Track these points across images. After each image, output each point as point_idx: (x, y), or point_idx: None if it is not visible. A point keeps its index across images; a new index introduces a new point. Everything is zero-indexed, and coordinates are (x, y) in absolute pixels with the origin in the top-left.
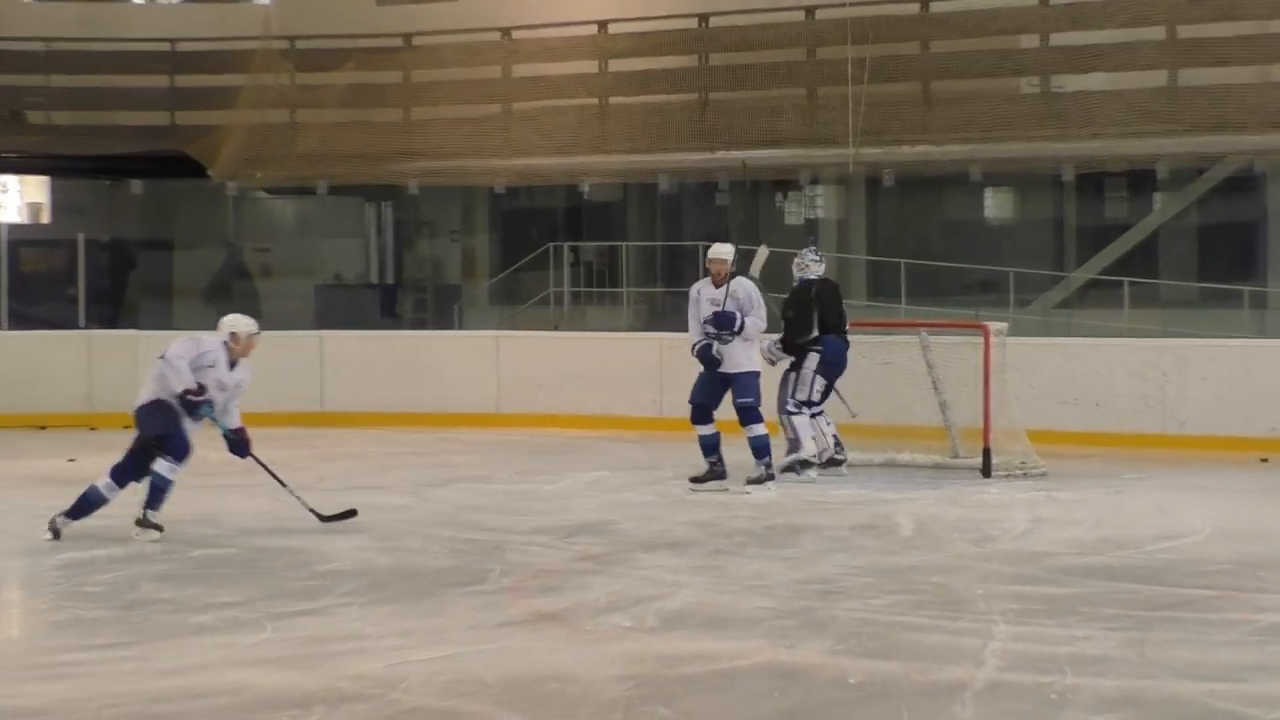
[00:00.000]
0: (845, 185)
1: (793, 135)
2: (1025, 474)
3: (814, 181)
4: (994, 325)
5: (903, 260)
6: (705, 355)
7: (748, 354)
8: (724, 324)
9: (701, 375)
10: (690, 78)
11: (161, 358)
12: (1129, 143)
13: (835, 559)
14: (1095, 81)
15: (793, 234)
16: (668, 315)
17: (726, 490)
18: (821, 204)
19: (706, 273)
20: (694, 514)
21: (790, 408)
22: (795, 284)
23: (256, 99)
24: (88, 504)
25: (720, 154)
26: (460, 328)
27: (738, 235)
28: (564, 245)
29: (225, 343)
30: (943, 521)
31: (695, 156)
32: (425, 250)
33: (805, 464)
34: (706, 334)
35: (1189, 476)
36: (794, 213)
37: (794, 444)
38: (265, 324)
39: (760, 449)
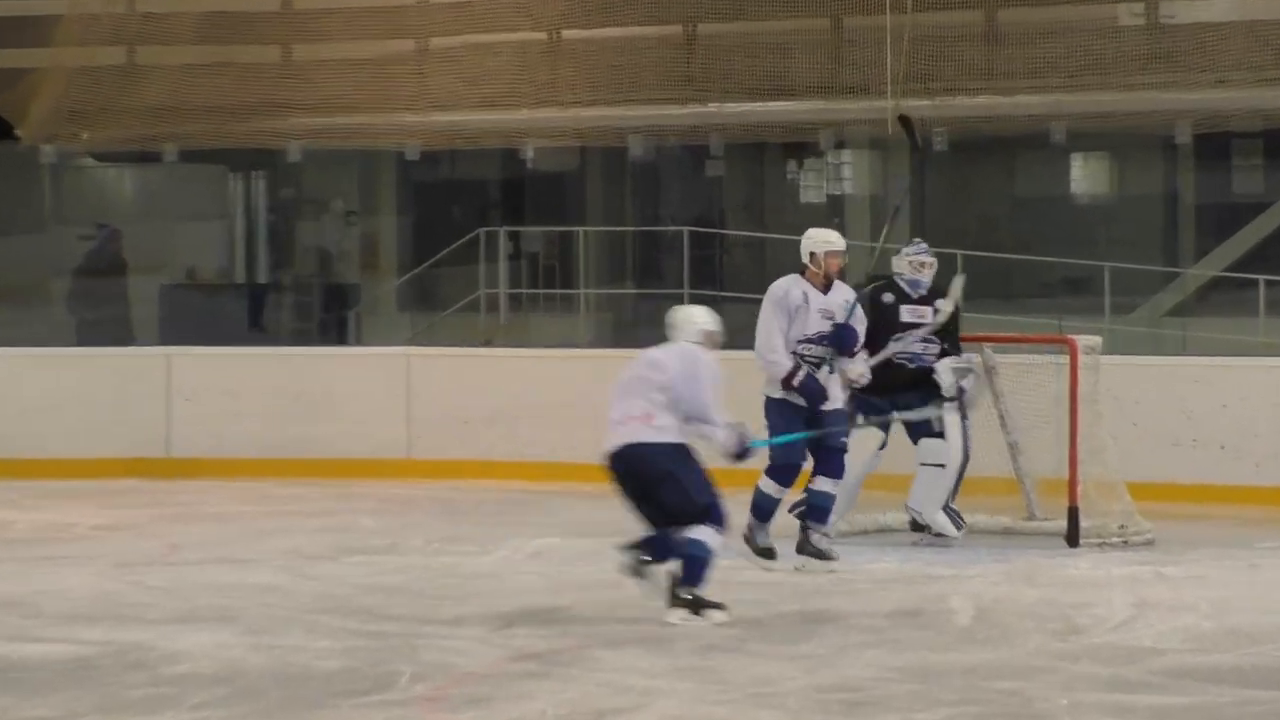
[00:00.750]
0: (882, 150)
1: (810, 82)
2: (1125, 542)
3: (839, 145)
4: (1083, 340)
5: (959, 251)
6: (814, 388)
7: (837, 384)
8: (845, 344)
9: (791, 416)
10: (672, 3)
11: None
12: (1265, 92)
13: (867, 657)
14: (1219, 10)
15: (811, 215)
16: (640, 325)
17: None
18: (850, 175)
19: (803, 269)
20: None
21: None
22: (917, 292)
23: (80, 33)
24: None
25: (712, 107)
26: (359, 343)
27: (738, 217)
28: (500, 231)
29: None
30: (1014, 606)
31: (678, 111)
32: (311, 237)
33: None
34: (805, 356)
35: None
36: (812, 186)
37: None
38: (89, 337)
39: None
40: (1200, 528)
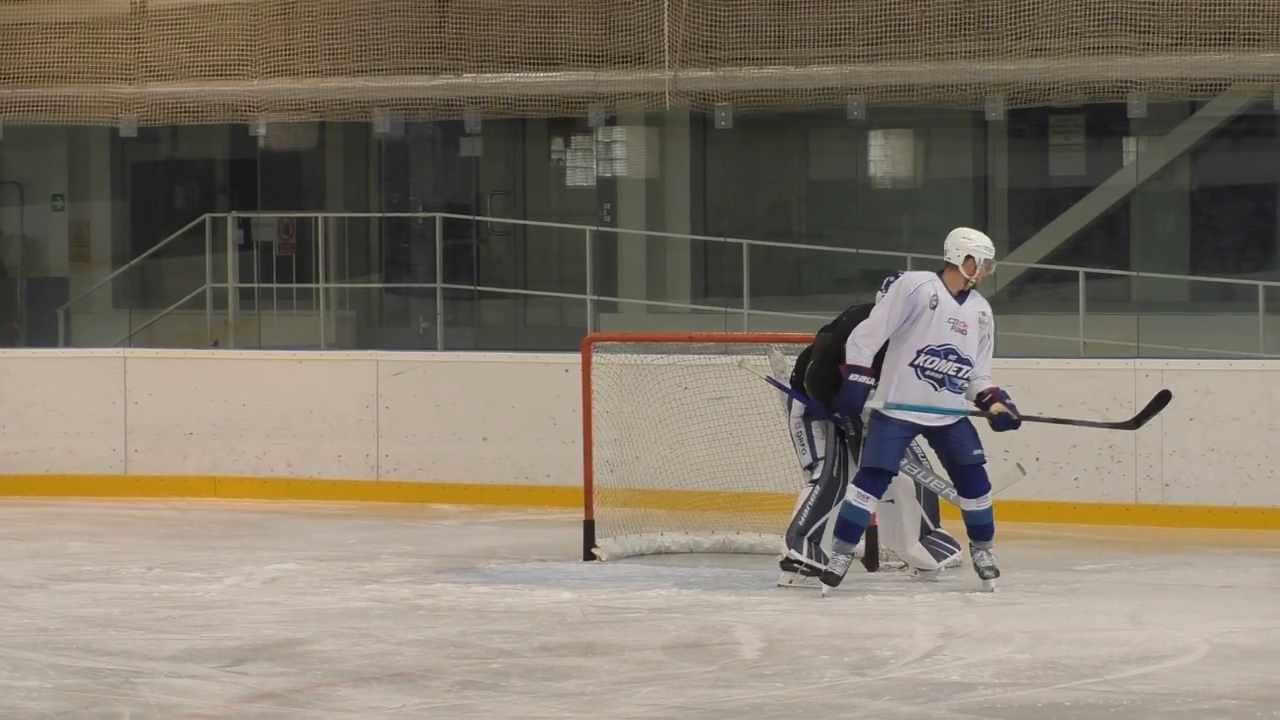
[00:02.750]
0: (659, 127)
1: (578, 51)
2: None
3: (611, 121)
4: None
5: (745, 241)
6: (856, 398)
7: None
8: (964, 366)
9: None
10: None
11: None
12: (1088, 63)
13: (643, 695)
14: None
15: (578, 199)
16: (389, 324)
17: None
18: (622, 155)
19: (938, 270)
20: (431, 628)
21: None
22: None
23: None
24: None
25: (468, 79)
26: (68, 344)
27: (497, 202)
28: (228, 217)
29: None
30: (806, 637)
31: (429, 82)
32: (11, 225)
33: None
34: (925, 371)
35: (1176, 568)
36: (580, 168)
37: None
38: None
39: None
40: (1014, 549)
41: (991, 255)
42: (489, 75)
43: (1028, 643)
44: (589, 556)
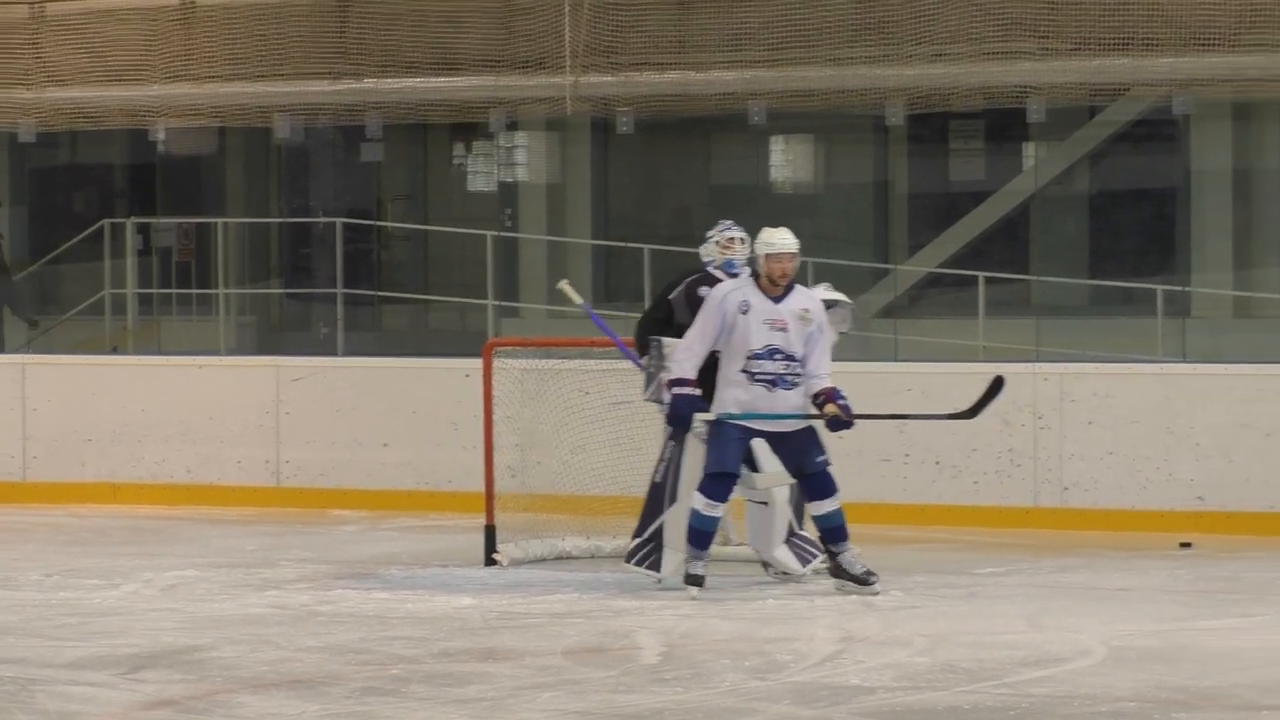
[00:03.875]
0: (560, 132)
1: (480, 56)
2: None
3: (512, 126)
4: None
5: (646, 246)
6: (684, 411)
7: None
8: (793, 363)
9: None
10: None
11: None
12: (987, 68)
13: (543, 700)
14: None
15: (480, 204)
16: (290, 330)
17: None
18: (523, 160)
19: (747, 270)
20: (331, 635)
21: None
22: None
23: None
24: None
25: (369, 84)
26: None
27: (398, 208)
28: (127, 223)
29: None
30: (706, 641)
31: (330, 87)
32: None
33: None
34: (754, 376)
35: (1075, 571)
36: (482, 173)
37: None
38: None
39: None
40: (914, 553)
41: (782, 250)
42: (390, 80)
43: (927, 646)
44: (490, 562)
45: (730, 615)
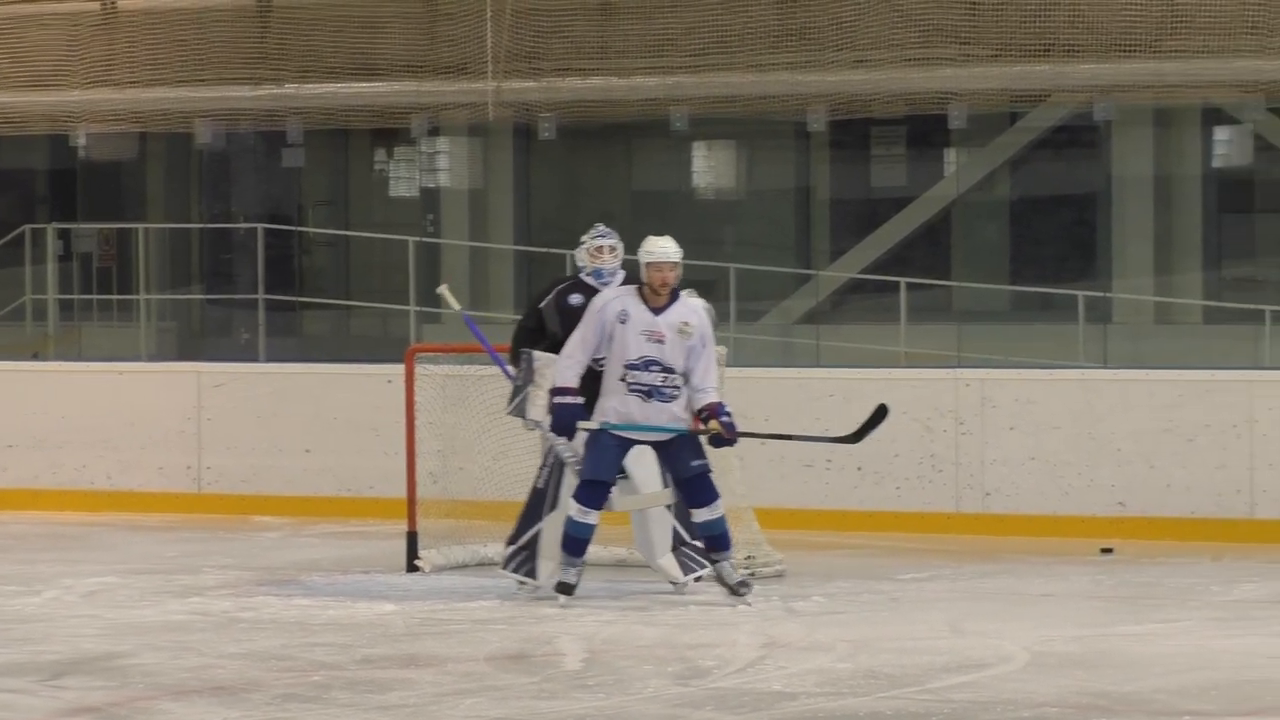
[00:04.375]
0: (482, 138)
1: (401, 61)
2: (752, 574)
3: (434, 132)
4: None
5: (567, 252)
6: (566, 420)
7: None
8: (670, 375)
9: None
10: None
11: None
12: (909, 74)
13: (466, 707)
14: None
15: (402, 209)
16: (209, 335)
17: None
18: (445, 165)
19: (629, 280)
20: (252, 641)
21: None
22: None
23: None
24: None
25: (290, 89)
26: None
27: (319, 213)
28: (48, 228)
29: None
30: (628, 648)
31: (251, 93)
32: None
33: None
34: (631, 386)
35: (996, 576)
36: (404, 178)
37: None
38: None
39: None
40: (837, 558)
41: (662, 259)
42: (311, 86)
43: (849, 651)
44: (412, 568)
45: (653, 621)
